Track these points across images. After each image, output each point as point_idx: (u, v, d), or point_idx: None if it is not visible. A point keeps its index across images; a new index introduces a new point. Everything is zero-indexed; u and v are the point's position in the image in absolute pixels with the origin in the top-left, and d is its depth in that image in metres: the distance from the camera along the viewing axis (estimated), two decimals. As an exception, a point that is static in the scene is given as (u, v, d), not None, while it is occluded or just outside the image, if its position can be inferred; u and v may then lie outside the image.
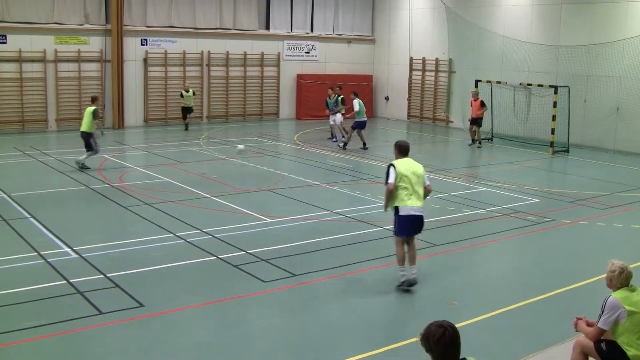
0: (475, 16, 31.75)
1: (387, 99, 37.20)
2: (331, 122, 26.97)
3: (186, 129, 29.71)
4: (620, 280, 7.10)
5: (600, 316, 7.05)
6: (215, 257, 12.10)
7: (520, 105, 29.34)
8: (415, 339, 4.88)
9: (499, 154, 25.77)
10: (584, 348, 7.23)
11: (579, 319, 7.47)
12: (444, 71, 34.08)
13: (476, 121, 26.87)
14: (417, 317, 9.88)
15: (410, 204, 10.52)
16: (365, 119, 25.60)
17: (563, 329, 8.62)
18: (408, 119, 35.89)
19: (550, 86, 26.37)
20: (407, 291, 10.65)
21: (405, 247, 10.86)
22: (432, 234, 13.98)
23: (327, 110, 27.03)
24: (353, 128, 25.20)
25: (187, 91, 30.04)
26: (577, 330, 7.43)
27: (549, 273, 12.12)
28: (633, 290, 7.07)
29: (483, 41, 31.38)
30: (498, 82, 28.88)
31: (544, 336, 9.20)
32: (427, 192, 10.87)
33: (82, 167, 20.00)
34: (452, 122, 33.64)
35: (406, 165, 10.68)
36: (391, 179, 10.53)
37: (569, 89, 26.40)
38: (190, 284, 10.91)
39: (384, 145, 26.40)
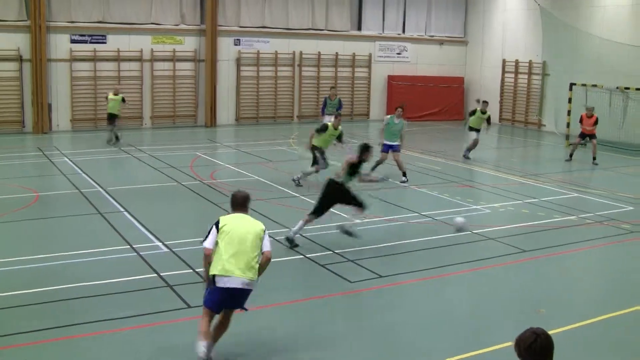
0: (571, 17, 30.98)
1: (478, 101, 36.64)
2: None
3: (115, 140, 24.80)
4: None
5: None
6: (302, 256, 12.20)
7: (616, 110, 28.49)
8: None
9: (579, 159, 25.11)
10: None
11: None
12: (537, 74, 33.41)
13: (592, 136, 24.18)
14: (503, 323, 9.72)
15: (229, 274, 7.87)
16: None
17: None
18: (499, 122, 35.32)
19: (649, 90, 25.54)
20: None
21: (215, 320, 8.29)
22: (521, 240, 13.78)
23: (323, 112, 25.82)
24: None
25: (116, 94, 24.95)
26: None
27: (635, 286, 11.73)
28: None
29: (579, 43, 30.56)
30: (594, 86, 28.13)
31: (635, 349, 8.93)
32: (264, 260, 8.13)
33: (298, 181, 18.16)
34: (545, 125, 32.94)
35: (236, 223, 8.15)
36: (208, 241, 8.08)
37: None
38: (278, 281, 11.00)
39: (475, 149, 26.15)
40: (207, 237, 8.04)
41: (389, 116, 20.07)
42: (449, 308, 10.36)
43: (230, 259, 7.81)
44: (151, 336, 8.95)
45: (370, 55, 34.44)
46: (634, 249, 13.78)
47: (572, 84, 28.07)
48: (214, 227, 8.04)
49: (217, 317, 8.14)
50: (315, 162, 18.13)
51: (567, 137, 27.93)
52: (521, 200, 17.33)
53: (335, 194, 12.78)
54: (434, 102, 35.23)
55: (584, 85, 28.25)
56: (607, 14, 29.66)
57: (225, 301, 7.97)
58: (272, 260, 8.21)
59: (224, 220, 8.10)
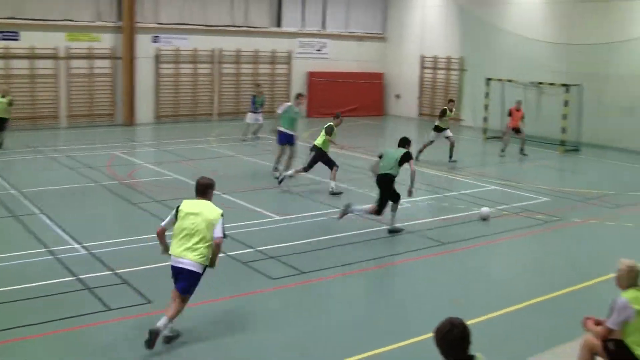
0: (487, 14, 31.64)
1: (397, 97, 37.14)
2: (252, 121, 25.89)
3: None
4: (629, 279, 7.08)
5: (609, 316, 7.02)
6: (224, 254, 12.09)
7: (531, 104, 29.22)
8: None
9: (509, 152, 25.68)
10: (591, 347, 7.21)
11: (587, 318, 7.46)
12: (456, 69, 34.01)
13: (517, 130, 25.04)
14: (422, 315, 9.84)
15: (175, 254, 8.57)
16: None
17: (571, 328, 8.56)
18: (419, 117, 35.81)
19: (562, 85, 26.28)
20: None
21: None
22: (441, 233, 14.02)
23: (251, 109, 25.87)
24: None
25: (4, 97, 22.75)
26: (585, 330, 7.41)
27: (557, 272, 12.09)
28: (642, 290, 7.02)
29: (495, 39, 31.25)
30: (509, 81, 28.79)
31: (552, 335, 9.20)
32: (214, 246, 8.59)
33: (334, 193, 17.21)
34: (463, 120, 33.53)
35: (192, 208, 8.71)
36: (164, 222, 8.91)
37: (581, 88, 26.33)
38: (202, 280, 10.88)
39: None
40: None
41: (288, 103, 19.42)
42: (370, 302, 10.46)
43: (179, 240, 8.49)
44: (71, 340, 8.75)
45: (290, 52, 34.40)
46: (548, 239, 14.17)
47: (488, 79, 28.68)
48: (175, 209, 8.72)
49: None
50: (310, 166, 17.77)
51: (485, 131, 28.53)
52: (441, 194, 17.62)
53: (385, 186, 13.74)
54: (353, 98, 35.39)
55: (500, 80, 28.88)
56: (521, 10, 30.37)
57: (175, 279, 8.60)
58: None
59: (184, 204, 8.75)
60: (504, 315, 9.92)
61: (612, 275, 7.33)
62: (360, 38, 36.74)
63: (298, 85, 34.53)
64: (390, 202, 13.78)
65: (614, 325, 7.00)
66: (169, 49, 31.03)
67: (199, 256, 8.45)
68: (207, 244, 8.49)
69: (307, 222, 14.62)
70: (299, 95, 19.41)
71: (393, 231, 13.77)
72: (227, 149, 23.60)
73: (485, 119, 28.77)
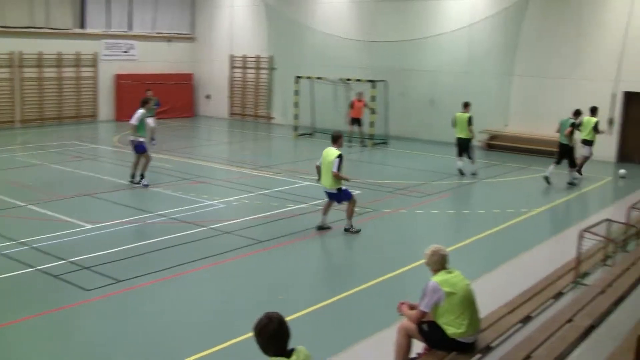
0: (295, 12, 32.17)
1: (208, 97, 36.94)
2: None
3: None
4: (437, 263, 7.41)
5: (421, 299, 7.31)
6: (33, 269, 11.50)
7: (340, 100, 30.03)
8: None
9: (320, 148, 26.00)
10: (407, 331, 7.47)
11: (401, 303, 7.74)
12: (265, 68, 34.29)
13: (357, 121, 26.66)
14: (246, 313, 9.81)
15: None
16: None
17: (388, 314, 8.86)
18: (230, 116, 35.82)
19: (368, 80, 27.18)
20: None
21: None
22: (257, 231, 14.08)
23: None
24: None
25: None
26: (400, 314, 7.67)
27: (372, 261, 12.48)
28: (450, 272, 7.39)
29: (303, 37, 31.86)
30: (318, 78, 29.40)
31: (371, 322, 9.47)
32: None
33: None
34: (275, 118, 33.92)
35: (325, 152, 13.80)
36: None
37: (386, 83, 27.38)
38: (7, 299, 10.32)
39: (206, 145, 26.31)
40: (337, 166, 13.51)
41: (142, 110, 18.31)
42: (192, 306, 10.31)
43: (322, 175, 13.93)
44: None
45: (95, 54, 33.22)
46: (363, 229, 14.54)
47: (298, 77, 29.15)
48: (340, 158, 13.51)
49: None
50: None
51: (296, 128, 28.99)
52: (255, 193, 17.71)
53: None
54: (163, 100, 34.50)
55: (309, 77, 29.43)
56: (328, 9, 31.12)
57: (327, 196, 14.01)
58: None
59: (325, 150, 13.93)
60: (323, 307, 10.10)
61: (422, 260, 7.64)
62: (168, 39, 36.16)
63: (105, 89, 33.51)
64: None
65: (426, 308, 7.30)
66: (-39, 53, 29.10)
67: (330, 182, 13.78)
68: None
69: (120, 229, 14.18)
70: (147, 100, 18.77)
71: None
72: (32, 158, 22.42)
73: (295, 117, 29.23)
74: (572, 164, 19.55)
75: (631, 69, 23.41)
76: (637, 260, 9.85)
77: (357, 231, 14.06)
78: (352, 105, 26.52)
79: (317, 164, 14.20)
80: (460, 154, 20.86)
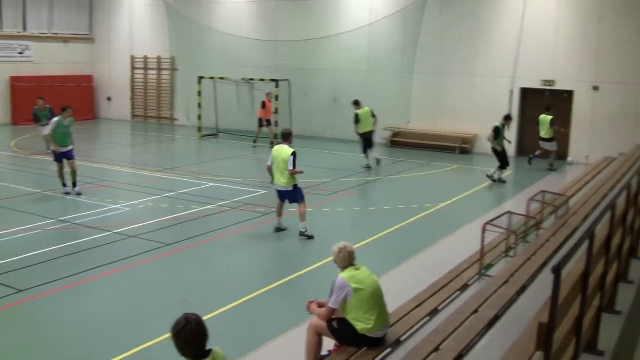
0: (195, 13, 31.81)
1: (109, 99, 36.16)
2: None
3: None
4: (342, 259, 7.45)
5: (329, 297, 7.33)
6: None
7: (243, 100, 29.92)
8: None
9: (225, 148, 26.09)
10: (317, 328, 7.48)
11: (310, 301, 7.75)
12: (167, 69, 33.82)
13: (268, 121, 26.25)
14: (157, 317, 9.65)
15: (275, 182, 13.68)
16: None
17: (298, 312, 8.86)
18: (132, 118, 35.17)
19: (271, 80, 27.17)
20: None
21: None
22: (164, 234, 13.86)
23: (37, 122, 23.78)
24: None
25: None
26: (309, 312, 7.68)
27: (280, 260, 12.49)
28: (357, 268, 7.44)
29: (204, 38, 31.55)
30: (221, 78, 29.22)
31: (280, 322, 9.44)
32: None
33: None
34: (178, 119, 33.50)
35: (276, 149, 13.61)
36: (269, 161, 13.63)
37: (289, 82, 27.45)
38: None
39: (107, 147, 25.75)
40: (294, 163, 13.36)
41: (56, 118, 17.67)
42: (100, 311, 10.05)
43: (275, 174, 13.62)
44: None
45: (-13, 56, 32.05)
46: (269, 229, 14.53)
47: (200, 77, 28.86)
48: (270, 151, 13.71)
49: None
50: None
51: (200, 129, 28.72)
52: (159, 195, 17.44)
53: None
54: (62, 102, 33.54)
55: (211, 77, 29.21)
56: (228, 9, 30.91)
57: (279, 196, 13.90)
58: None
59: (274, 148, 13.80)
60: (234, 307, 10.02)
61: (329, 258, 7.66)
62: (65, 39, 35.18)
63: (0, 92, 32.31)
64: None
65: (334, 305, 7.33)
66: None
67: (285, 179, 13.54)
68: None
69: (21, 236, 13.67)
70: (66, 108, 17.88)
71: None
72: None
73: (199, 117, 28.94)
74: (503, 165, 19.97)
75: (526, 66, 24.16)
76: (537, 250, 10.14)
77: (311, 237, 13.72)
78: (263, 105, 26.17)
79: (268, 163, 13.85)
80: (365, 149, 21.37)
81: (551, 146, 21.83)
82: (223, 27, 30.84)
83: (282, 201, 14.01)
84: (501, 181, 19.81)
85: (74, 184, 17.34)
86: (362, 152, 21.70)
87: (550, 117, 21.57)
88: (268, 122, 26.25)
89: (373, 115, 21.80)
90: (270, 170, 13.89)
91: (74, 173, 17.37)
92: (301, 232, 13.75)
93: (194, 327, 4.76)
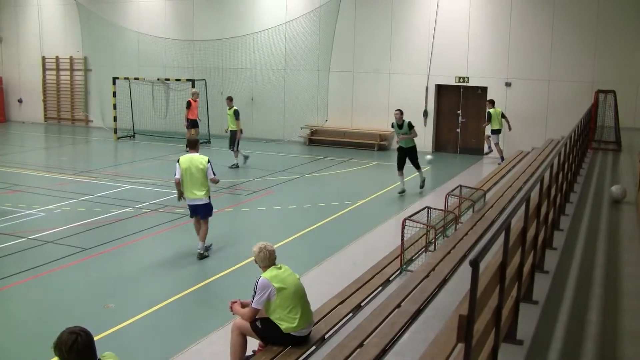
0: (108, 13, 31.22)
1: (20, 101, 35.18)
2: None
3: None
4: (263, 259, 7.46)
5: (253, 297, 7.31)
6: None
7: (159, 101, 29.55)
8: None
9: (142, 150, 25.73)
10: (241, 329, 7.46)
11: (233, 302, 7.72)
12: (80, 69, 33.10)
13: (195, 122, 24.41)
14: (74, 324, 9.43)
15: (189, 196, 12.38)
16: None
17: (221, 314, 8.80)
18: (45, 121, 34.31)
19: (188, 80, 26.94)
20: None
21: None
22: (81, 239, 13.58)
23: None
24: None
25: None
26: (233, 313, 7.65)
27: (201, 262, 12.33)
28: (280, 268, 7.46)
29: (118, 38, 31.01)
30: (136, 79, 28.80)
31: (204, 324, 9.36)
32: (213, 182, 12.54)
33: None
34: (92, 121, 32.84)
35: (188, 161, 12.27)
36: (176, 173, 12.35)
37: (205, 82, 27.22)
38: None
39: (20, 151, 25.09)
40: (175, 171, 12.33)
41: None
42: (12, 321, 9.77)
43: (186, 188, 12.27)
44: None
45: None
46: (188, 230, 14.36)
47: (115, 78, 28.37)
48: (177, 163, 12.35)
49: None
50: None
51: (116, 131, 28.24)
52: (76, 199, 17.06)
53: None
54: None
55: (126, 78, 28.77)
56: (142, 9, 30.46)
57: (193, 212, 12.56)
58: None
59: (181, 159, 12.35)
60: (154, 312, 9.88)
61: (251, 258, 7.63)
62: (-29, 40, 34.09)
63: None
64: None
65: (258, 305, 7.31)
66: None
67: (202, 193, 12.41)
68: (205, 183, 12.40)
69: None
70: None
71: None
72: None
73: (115, 119, 28.44)
74: (417, 166, 18.26)
75: (440, 63, 24.58)
76: (456, 244, 10.34)
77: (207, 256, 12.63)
78: (188, 106, 24.23)
79: (177, 177, 12.35)
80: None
81: (496, 139, 22.46)
82: (137, 27, 30.38)
83: (197, 217, 12.63)
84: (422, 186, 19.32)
85: None
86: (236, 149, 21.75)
87: (500, 109, 22.30)
88: (195, 123, 24.37)
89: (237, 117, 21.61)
90: (179, 184, 12.41)
91: None
92: (202, 254, 12.49)
93: (84, 340, 4.60)
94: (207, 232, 12.57)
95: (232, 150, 21.54)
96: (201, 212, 12.51)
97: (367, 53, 25.88)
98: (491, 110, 22.18)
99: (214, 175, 12.39)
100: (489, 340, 4.81)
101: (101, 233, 14.03)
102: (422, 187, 18.25)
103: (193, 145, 12.64)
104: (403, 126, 17.58)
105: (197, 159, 12.29)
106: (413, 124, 17.70)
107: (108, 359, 4.76)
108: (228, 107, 21.80)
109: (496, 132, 22.30)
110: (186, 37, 29.14)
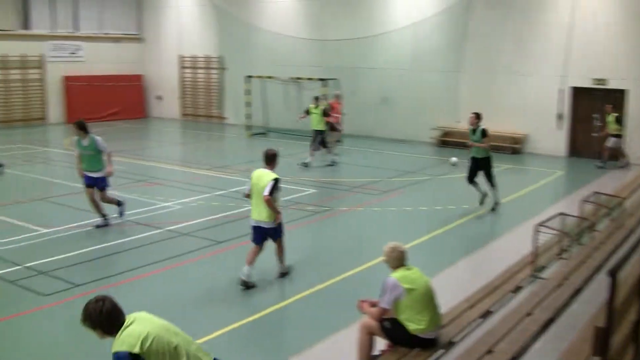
0: (243, 12, 32.05)
1: (159, 98, 36.62)
2: None
3: None
4: (395, 260, 7.47)
5: (381, 296, 7.36)
6: (-14, 275, 11.31)
7: (292, 99, 30.06)
8: None
9: (275, 148, 26.16)
10: (369, 329, 7.51)
11: (362, 301, 7.77)
12: (216, 68, 34.12)
13: (336, 126, 24.52)
14: (210, 314, 9.76)
15: (252, 216, 11.00)
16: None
17: (350, 312, 8.90)
18: (182, 117, 35.58)
19: (320, 79, 27.25)
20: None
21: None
22: (215, 232, 14.02)
23: None
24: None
25: None
26: (362, 312, 7.72)
27: (331, 260, 12.47)
28: (409, 269, 7.46)
29: (252, 37, 31.76)
30: (269, 77, 29.40)
31: (332, 322, 9.47)
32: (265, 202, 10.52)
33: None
34: (227, 118, 33.78)
35: (256, 177, 10.89)
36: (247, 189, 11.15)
37: (337, 82, 27.49)
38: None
39: (158, 146, 26.08)
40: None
41: (75, 137, 14.65)
42: (152, 309, 10.18)
43: (253, 206, 10.91)
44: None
45: (42, 56, 32.66)
46: (320, 228, 14.62)
47: (249, 77, 29.08)
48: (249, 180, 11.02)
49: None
50: None
51: (249, 128, 28.94)
52: (211, 193, 17.61)
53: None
54: (113, 101, 34.41)
55: (260, 77, 29.41)
56: (276, 9, 31.05)
57: (255, 234, 10.98)
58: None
59: (254, 173, 11.00)
60: (284, 307, 10.10)
61: (381, 258, 7.69)
62: (116, 39, 35.73)
63: (54, 90, 33.01)
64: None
65: (386, 305, 7.35)
66: None
67: (264, 215, 10.84)
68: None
69: (76, 232, 13.97)
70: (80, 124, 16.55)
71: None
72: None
73: (248, 116, 29.16)
74: (325, 145, 21.60)
75: (577, 64, 23.77)
76: (591, 253, 10.04)
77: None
78: (330, 109, 23.34)
79: (246, 192, 11.26)
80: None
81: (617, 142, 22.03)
82: (271, 27, 31.00)
83: (257, 244, 11.07)
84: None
85: (104, 216, 14.42)
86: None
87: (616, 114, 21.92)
88: (333, 127, 23.80)
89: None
90: (249, 197, 11.18)
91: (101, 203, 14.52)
92: (283, 273, 11.48)
93: (110, 303, 5.19)
94: (284, 251, 11.35)
95: (325, 147, 21.93)
96: (269, 235, 11.08)
97: (500, 53, 25.36)
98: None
99: (269, 194, 10.56)
100: (627, 355, 4.67)
101: (235, 227, 14.35)
102: (494, 209, 16.08)
103: (270, 159, 11.08)
104: (476, 132, 16.11)
105: (265, 176, 10.82)
106: (488, 132, 15.98)
107: (132, 319, 5.26)
108: (314, 106, 21.93)
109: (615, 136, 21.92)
110: (318, 36, 29.46)
